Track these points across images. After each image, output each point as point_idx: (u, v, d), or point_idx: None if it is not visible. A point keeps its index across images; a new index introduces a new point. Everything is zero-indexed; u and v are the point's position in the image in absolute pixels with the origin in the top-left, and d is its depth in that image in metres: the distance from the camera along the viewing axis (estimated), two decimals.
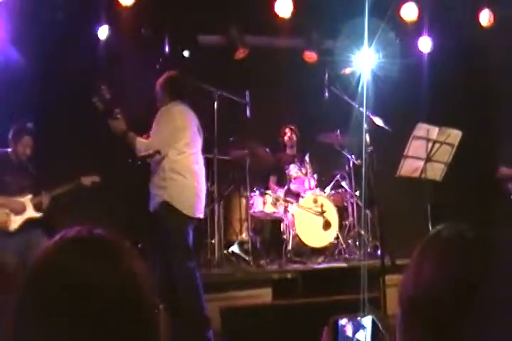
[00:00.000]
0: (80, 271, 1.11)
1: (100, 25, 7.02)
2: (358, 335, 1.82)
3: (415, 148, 5.84)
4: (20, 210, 5.46)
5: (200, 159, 5.18)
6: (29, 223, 5.48)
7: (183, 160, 4.97)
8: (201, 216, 5.08)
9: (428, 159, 5.88)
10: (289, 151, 7.43)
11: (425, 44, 7.73)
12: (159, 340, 1.19)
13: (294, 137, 7.41)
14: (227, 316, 4.63)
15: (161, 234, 4.99)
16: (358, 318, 1.83)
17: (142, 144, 4.96)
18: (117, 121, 4.95)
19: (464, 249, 1.26)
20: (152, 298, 1.19)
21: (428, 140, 5.83)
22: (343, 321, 1.80)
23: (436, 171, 5.96)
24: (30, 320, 1.10)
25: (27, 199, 5.53)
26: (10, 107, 5.99)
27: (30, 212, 5.51)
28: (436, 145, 5.85)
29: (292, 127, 7.41)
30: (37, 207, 5.53)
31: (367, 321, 1.82)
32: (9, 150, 5.59)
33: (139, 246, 6.50)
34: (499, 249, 1.28)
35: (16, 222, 5.44)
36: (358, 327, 1.82)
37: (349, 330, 1.80)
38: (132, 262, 1.18)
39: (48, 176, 5.75)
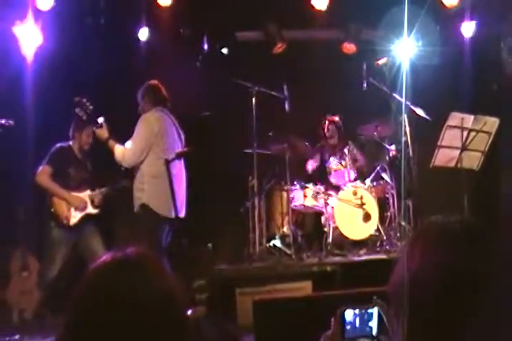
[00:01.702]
0: (125, 290, 1.23)
1: (141, 27, 7.19)
2: (370, 323, 1.88)
3: (449, 137, 5.74)
4: (82, 207, 5.70)
5: (179, 163, 5.50)
6: (86, 218, 5.73)
7: (160, 164, 5.21)
8: (181, 215, 5.40)
9: (464, 148, 5.77)
10: (330, 142, 7.37)
11: (467, 29, 7.52)
12: None
13: (335, 129, 7.36)
14: (258, 309, 4.70)
15: (138, 234, 5.39)
16: (366, 310, 1.88)
17: (119, 150, 5.37)
18: (101, 130, 5.43)
19: (451, 239, 1.30)
20: (185, 310, 1.32)
21: (463, 129, 5.72)
22: (350, 312, 1.86)
23: (472, 160, 5.84)
24: (78, 333, 1.22)
25: (86, 195, 5.76)
26: (62, 107, 6.20)
27: (90, 209, 5.75)
28: (472, 133, 5.73)
29: (334, 119, 7.36)
30: (94, 204, 5.77)
31: (374, 312, 1.87)
32: (70, 143, 5.83)
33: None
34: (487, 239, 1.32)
35: (75, 217, 5.67)
36: (366, 317, 1.87)
37: (357, 320, 1.86)
38: (168, 278, 1.31)
39: (101, 173, 5.99)
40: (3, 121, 5.40)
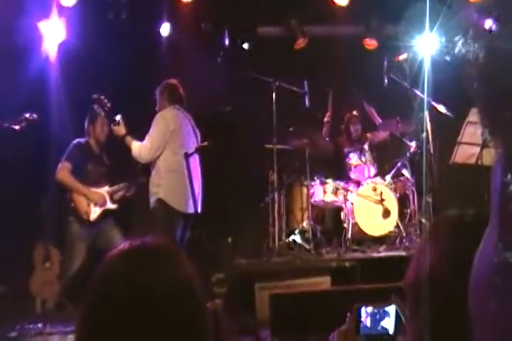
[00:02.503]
0: (143, 278, 1.23)
1: (162, 22, 7.23)
2: (383, 323, 1.88)
3: (470, 134, 5.71)
4: (102, 203, 5.77)
5: (195, 159, 5.58)
6: (105, 214, 5.80)
7: (177, 160, 5.39)
8: (195, 210, 5.45)
9: (484, 145, 5.73)
10: (352, 137, 7.36)
11: (491, 24, 7.43)
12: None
13: (358, 125, 7.34)
14: (275, 302, 4.74)
15: (153, 228, 5.49)
16: (382, 307, 1.88)
17: (136, 147, 5.49)
18: (118, 127, 5.55)
19: (465, 231, 1.30)
20: (205, 301, 1.33)
21: None
22: (366, 309, 1.86)
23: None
24: (97, 321, 1.23)
25: (105, 190, 5.82)
26: (83, 102, 6.26)
27: (109, 204, 5.81)
28: None
29: (356, 115, 7.34)
30: (113, 199, 5.83)
31: (391, 310, 1.87)
32: (87, 138, 5.89)
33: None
34: None
35: (95, 212, 5.75)
36: (382, 315, 1.87)
37: (372, 318, 1.87)
38: (188, 268, 1.31)
39: (120, 168, 6.06)
40: (27, 115, 5.49)
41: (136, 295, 1.22)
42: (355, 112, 7.28)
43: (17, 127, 5.44)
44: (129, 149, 5.56)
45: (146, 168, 5.64)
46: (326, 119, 7.26)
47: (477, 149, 5.77)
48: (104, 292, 1.25)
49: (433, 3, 6.13)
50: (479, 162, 5.80)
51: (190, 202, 5.47)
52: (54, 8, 6.67)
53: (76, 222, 5.73)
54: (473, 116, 5.71)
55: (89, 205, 5.74)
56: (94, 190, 5.78)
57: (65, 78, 6.53)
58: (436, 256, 1.29)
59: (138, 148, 5.50)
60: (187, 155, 5.45)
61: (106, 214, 5.81)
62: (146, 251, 1.30)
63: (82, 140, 5.90)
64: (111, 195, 5.82)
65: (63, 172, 5.75)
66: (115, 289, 1.23)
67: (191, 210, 5.48)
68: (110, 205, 5.83)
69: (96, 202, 5.73)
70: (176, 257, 1.32)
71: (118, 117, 5.54)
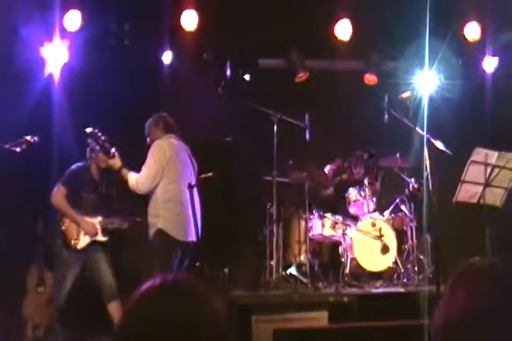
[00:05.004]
0: (168, 317, 1.23)
1: (164, 50, 7.25)
2: None
3: (473, 173, 5.76)
4: (92, 234, 5.67)
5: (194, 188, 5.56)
6: (94, 244, 5.70)
7: (174, 188, 5.43)
8: (194, 239, 5.46)
9: (487, 184, 5.79)
10: (355, 176, 7.41)
11: (489, 64, 7.57)
12: None
13: (362, 164, 7.38)
14: (279, 338, 4.69)
15: (151, 257, 5.47)
16: None
17: (133, 178, 5.45)
18: (113, 160, 5.50)
19: (495, 280, 1.29)
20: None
21: (486, 165, 5.74)
22: None
23: (496, 196, 5.85)
24: None
25: (97, 222, 5.71)
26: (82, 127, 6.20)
27: (99, 236, 5.70)
28: (496, 170, 5.75)
29: (361, 154, 7.38)
30: (104, 232, 5.73)
31: None
32: (88, 163, 5.80)
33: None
34: None
35: (83, 241, 5.66)
36: None
37: None
38: (213, 303, 1.31)
39: (116, 200, 5.93)
40: (28, 138, 5.44)
41: (171, 332, 1.21)
42: (362, 152, 7.33)
43: (18, 149, 5.39)
44: (125, 181, 5.49)
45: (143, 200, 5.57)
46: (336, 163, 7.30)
47: (480, 188, 5.82)
48: (139, 328, 1.23)
49: (433, 41, 6.27)
50: (481, 201, 5.84)
51: (189, 231, 5.44)
52: (57, 32, 6.68)
53: (63, 246, 5.65)
54: (477, 155, 5.77)
55: (79, 233, 5.64)
56: (87, 219, 5.69)
57: (66, 101, 6.51)
58: (468, 305, 1.28)
59: (135, 179, 5.43)
60: (191, 186, 5.43)
61: (94, 244, 5.70)
62: (179, 288, 1.30)
63: (81, 165, 5.81)
64: (103, 227, 5.72)
65: (58, 196, 5.67)
66: (151, 325, 1.22)
67: (190, 239, 5.46)
68: (100, 237, 5.71)
69: (87, 232, 5.64)
70: (206, 292, 1.32)
71: (113, 150, 5.48)
